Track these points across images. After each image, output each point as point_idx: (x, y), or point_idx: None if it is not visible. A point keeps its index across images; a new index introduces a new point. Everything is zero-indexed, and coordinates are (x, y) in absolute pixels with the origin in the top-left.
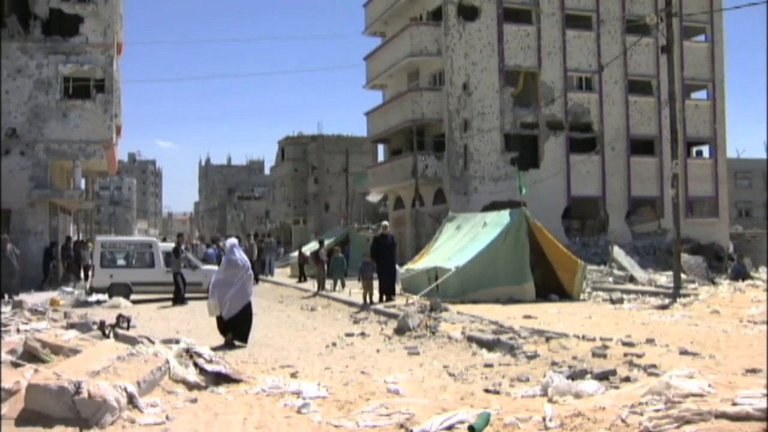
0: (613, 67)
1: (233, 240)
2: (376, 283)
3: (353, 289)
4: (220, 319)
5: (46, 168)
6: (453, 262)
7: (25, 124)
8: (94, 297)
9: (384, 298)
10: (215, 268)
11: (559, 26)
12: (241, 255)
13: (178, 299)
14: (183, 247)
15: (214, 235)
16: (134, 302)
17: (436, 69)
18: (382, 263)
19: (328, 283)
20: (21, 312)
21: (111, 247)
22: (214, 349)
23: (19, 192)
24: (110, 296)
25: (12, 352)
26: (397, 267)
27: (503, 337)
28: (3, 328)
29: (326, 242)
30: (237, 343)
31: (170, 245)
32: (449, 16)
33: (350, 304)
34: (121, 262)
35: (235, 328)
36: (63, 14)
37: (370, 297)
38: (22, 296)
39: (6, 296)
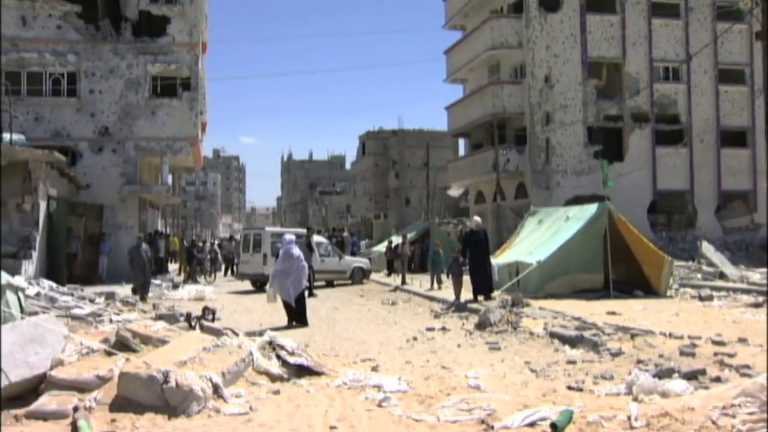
0: (702, 56)
1: (291, 236)
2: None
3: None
4: (287, 306)
5: (135, 164)
6: (534, 256)
7: (117, 122)
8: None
9: (479, 298)
10: (356, 258)
11: (645, 15)
12: (296, 249)
13: (310, 292)
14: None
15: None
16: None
17: (517, 62)
18: (476, 260)
19: (425, 280)
20: (113, 303)
21: (276, 237)
22: (277, 329)
23: (110, 188)
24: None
25: (105, 341)
26: (493, 263)
27: (586, 334)
28: (97, 318)
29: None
30: (296, 324)
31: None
32: (530, 8)
33: (431, 298)
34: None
35: (293, 312)
36: (151, 16)
37: (457, 294)
38: (114, 288)
39: (138, 295)
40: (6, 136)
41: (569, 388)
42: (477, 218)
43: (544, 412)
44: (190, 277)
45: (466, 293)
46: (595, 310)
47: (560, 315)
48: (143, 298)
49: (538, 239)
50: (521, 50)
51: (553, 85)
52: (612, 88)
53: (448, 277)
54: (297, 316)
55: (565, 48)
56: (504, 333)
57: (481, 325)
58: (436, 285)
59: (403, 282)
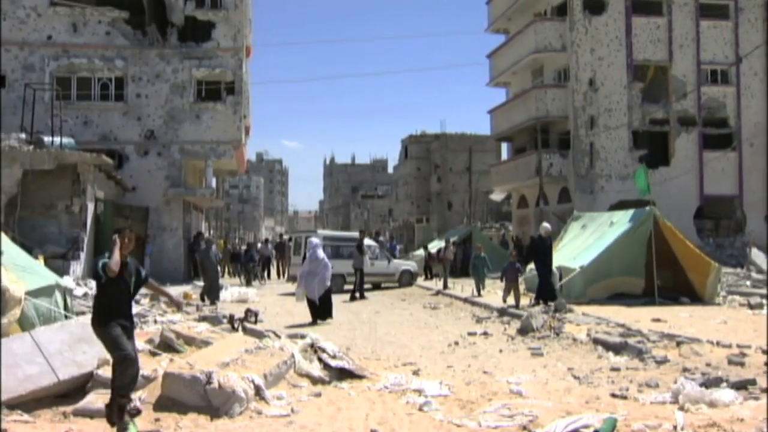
0: (752, 58)
1: (317, 240)
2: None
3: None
4: (311, 305)
5: (180, 167)
6: (578, 261)
7: (162, 126)
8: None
9: (541, 302)
10: (404, 261)
11: (692, 16)
12: (321, 252)
13: (361, 294)
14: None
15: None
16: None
17: (561, 65)
18: (545, 267)
19: (467, 284)
20: (158, 304)
21: (330, 240)
22: (303, 326)
23: (156, 191)
24: None
25: (150, 341)
26: (555, 271)
27: (631, 341)
28: (141, 319)
29: (450, 240)
30: (321, 321)
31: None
32: (575, 11)
33: (473, 303)
34: (337, 254)
35: (320, 309)
36: (197, 21)
37: (516, 300)
38: None
39: (208, 301)
40: (56, 139)
41: (613, 395)
42: (547, 225)
43: (587, 419)
44: (249, 282)
45: (509, 298)
46: (640, 317)
47: (604, 321)
48: (213, 303)
49: (582, 244)
50: (565, 53)
51: (597, 89)
52: (658, 92)
53: (501, 280)
54: (321, 313)
55: (610, 51)
56: (546, 339)
57: (524, 331)
58: (479, 290)
59: (445, 286)
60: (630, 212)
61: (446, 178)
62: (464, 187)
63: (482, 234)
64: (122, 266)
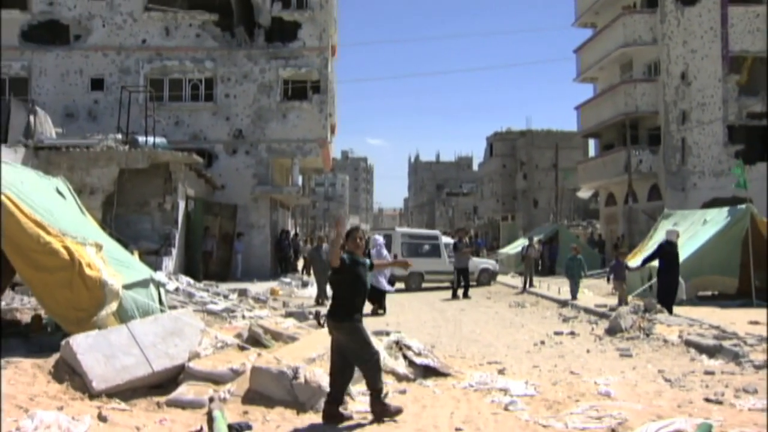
0: None
1: (380, 238)
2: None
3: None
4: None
5: (267, 166)
6: None
7: (250, 125)
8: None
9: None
10: (483, 260)
11: None
12: (384, 250)
13: (465, 293)
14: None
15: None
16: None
17: (651, 59)
18: (671, 274)
19: (553, 283)
20: (246, 300)
21: (409, 237)
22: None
23: (244, 188)
24: (407, 284)
25: (238, 336)
26: (681, 281)
27: (726, 344)
28: (230, 314)
29: (535, 239)
30: (380, 311)
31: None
32: (666, 2)
33: (559, 302)
34: (415, 252)
35: (377, 301)
36: (283, 22)
37: (624, 300)
38: (246, 285)
39: (321, 300)
40: (150, 139)
41: (707, 400)
42: (677, 229)
43: (679, 423)
44: None
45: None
46: (736, 319)
47: (697, 322)
48: (323, 304)
49: None
50: (655, 47)
51: (690, 82)
52: (756, 84)
53: (608, 281)
54: (380, 304)
55: (704, 43)
56: (635, 339)
57: (612, 331)
58: (574, 294)
59: (530, 284)
60: (725, 210)
61: (532, 176)
62: (550, 185)
63: (569, 232)
64: (358, 264)
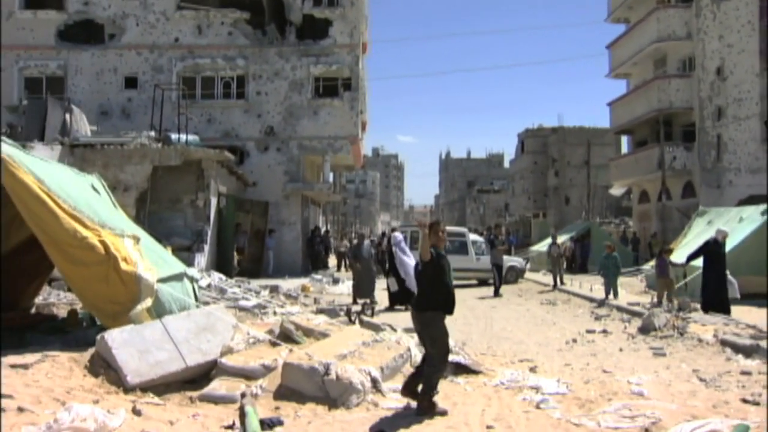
0: None
1: (400, 235)
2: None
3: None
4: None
5: (298, 163)
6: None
7: (281, 122)
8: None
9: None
10: (510, 257)
11: None
12: (407, 248)
13: (495, 290)
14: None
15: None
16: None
17: (685, 54)
18: (719, 275)
19: (585, 281)
20: (277, 296)
21: None
22: (380, 312)
23: (275, 185)
24: None
25: (270, 332)
26: (731, 279)
27: (763, 343)
28: (262, 310)
29: (562, 237)
30: (398, 306)
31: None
32: None
33: (591, 300)
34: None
35: (397, 297)
36: (314, 19)
37: (668, 298)
38: (278, 282)
39: (366, 301)
40: (182, 137)
41: (744, 401)
42: (725, 229)
43: (715, 424)
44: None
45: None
46: None
47: (732, 322)
48: (355, 302)
49: None
50: (690, 42)
51: (726, 78)
52: None
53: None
54: (401, 299)
55: (741, 37)
56: (669, 338)
57: (645, 330)
58: (608, 293)
59: (561, 282)
60: (762, 207)
61: (564, 172)
62: (582, 182)
63: (601, 230)
64: (441, 257)
